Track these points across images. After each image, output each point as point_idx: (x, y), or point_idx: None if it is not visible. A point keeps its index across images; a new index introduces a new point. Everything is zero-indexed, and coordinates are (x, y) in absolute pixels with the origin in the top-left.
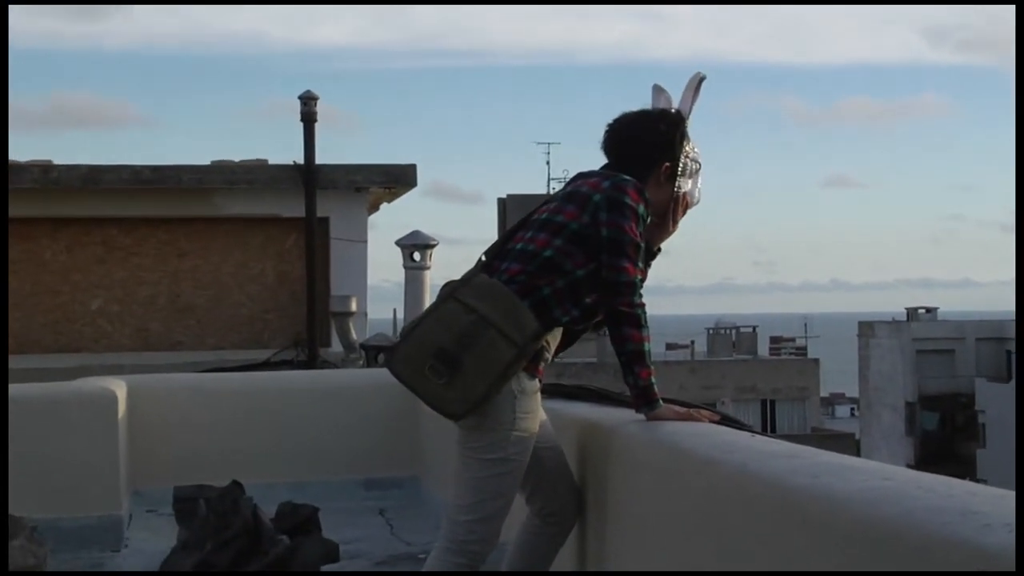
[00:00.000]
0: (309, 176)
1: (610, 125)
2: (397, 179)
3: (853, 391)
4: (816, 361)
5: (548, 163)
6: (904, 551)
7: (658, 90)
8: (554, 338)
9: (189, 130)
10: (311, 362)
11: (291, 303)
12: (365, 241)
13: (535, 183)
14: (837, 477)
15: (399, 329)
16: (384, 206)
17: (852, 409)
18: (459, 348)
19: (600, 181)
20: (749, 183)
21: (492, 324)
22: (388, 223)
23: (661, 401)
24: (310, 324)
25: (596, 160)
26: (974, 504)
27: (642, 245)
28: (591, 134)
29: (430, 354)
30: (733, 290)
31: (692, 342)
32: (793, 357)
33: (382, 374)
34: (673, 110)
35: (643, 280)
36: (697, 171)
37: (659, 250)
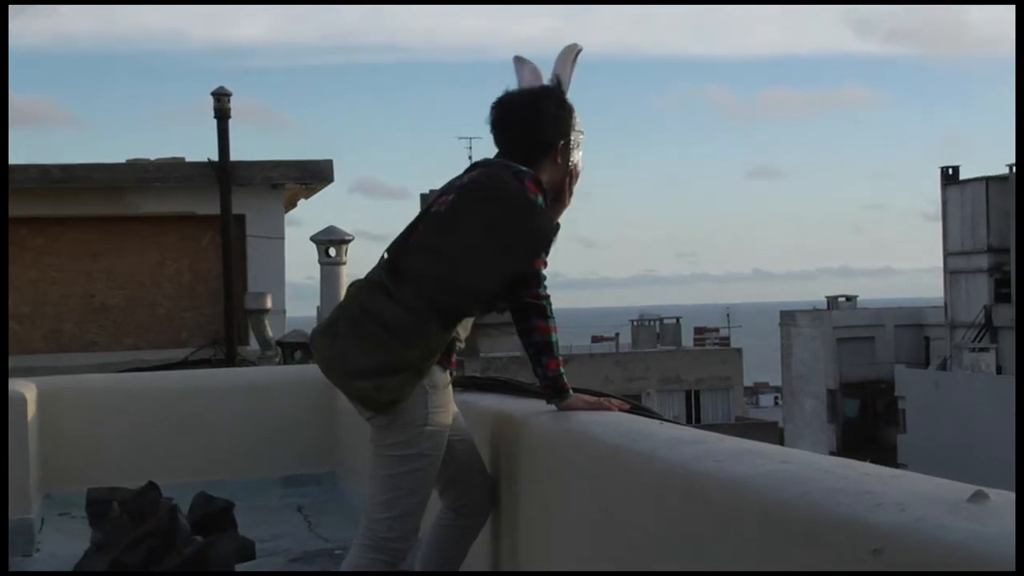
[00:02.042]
0: (224, 173)
1: (498, 110)
2: (314, 175)
3: (776, 380)
4: (739, 351)
5: (470, 158)
6: (800, 531)
7: (520, 61)
8: (464, 329)
9: (107, 129)
10: (229, 360)
11: (208, 301)
12: (282, 238)
13: None
14: (739, 462)
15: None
16: (305, 202)
17: (775, 398)
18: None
19: (498, 171)
20: (673, 176)
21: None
22: (311, 219)
23: (571, 391)
24: (227, 322)
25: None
26: (867, 484)
27: (548, 238)
28: None
29: (377, 326)
30: (657, 282)
31: (617, 334)
32: (717, 347)
33: (299, 371)
34: (552, 80)
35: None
36: (582, 140)
37: (558, 225)
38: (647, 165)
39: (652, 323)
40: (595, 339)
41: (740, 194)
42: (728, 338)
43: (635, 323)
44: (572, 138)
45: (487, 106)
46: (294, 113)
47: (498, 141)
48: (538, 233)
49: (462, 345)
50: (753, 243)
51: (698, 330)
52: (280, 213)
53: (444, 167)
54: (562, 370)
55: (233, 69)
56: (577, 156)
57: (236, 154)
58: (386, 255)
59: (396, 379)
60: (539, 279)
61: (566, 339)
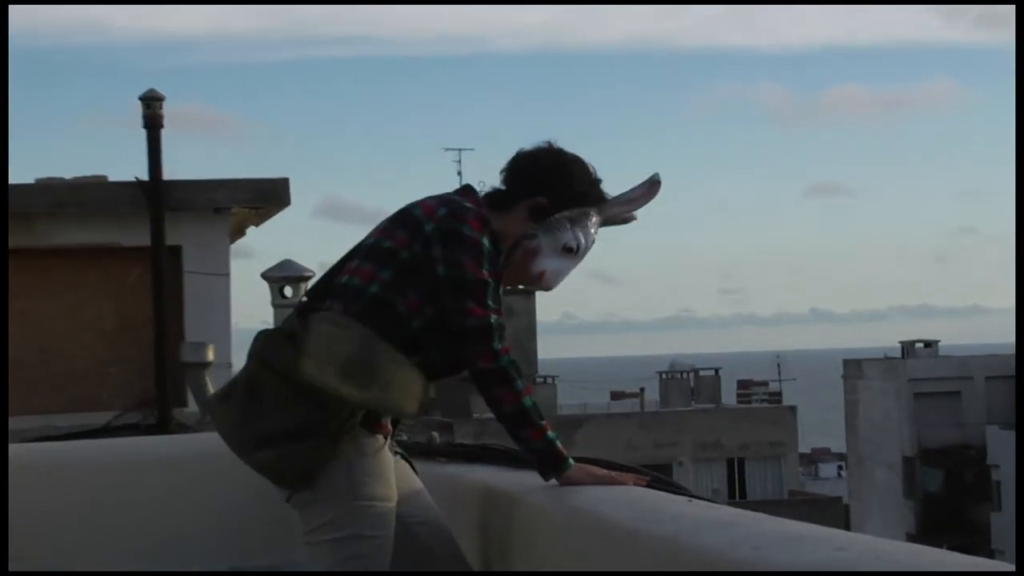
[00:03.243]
0: (155, 195)
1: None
2: (266, 197)
3: (839, 445)
4: (793, 409)
5: (459, 173)
6: None
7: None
8: (415, 387)
9: (10, 141)
10: (162, 426)
11: (136, 353)
12: (227, 274)
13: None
14: (782, 549)
15: None
16: (256, 231)
17: (839, 467)
18: (367, 354)
19: (436, 207)
20: (715, 194)
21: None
22: (264, 251)
23: (571, 461)
24: (159, 379)
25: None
26: None
27: (490, 283)
28: (509, 136)
29: (338, 365)
30: (692, 324)
31: (642, 389)
32: (766, 405)
33: None
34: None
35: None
36: (572, 248)
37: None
38: (682, 182)
39: (686, 375)
40: (615, 395)
41: (797, 217)
42: (780, 394)
43: (664, 375)
44: (560, 217)
45: (478, 110)
46: (245, 121)
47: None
48: (470, 269)
49: (407, 410)
50: (812, 276)
51: (743, 384)
52: (225, 244)
53: (428, 184)
54: (551, 436)
55: (168, 67)
56: (546, 244)
57: (171, 172)
58: (305, 298)
59: (303, 445)
60: (487, 333)
61: (578, 395)
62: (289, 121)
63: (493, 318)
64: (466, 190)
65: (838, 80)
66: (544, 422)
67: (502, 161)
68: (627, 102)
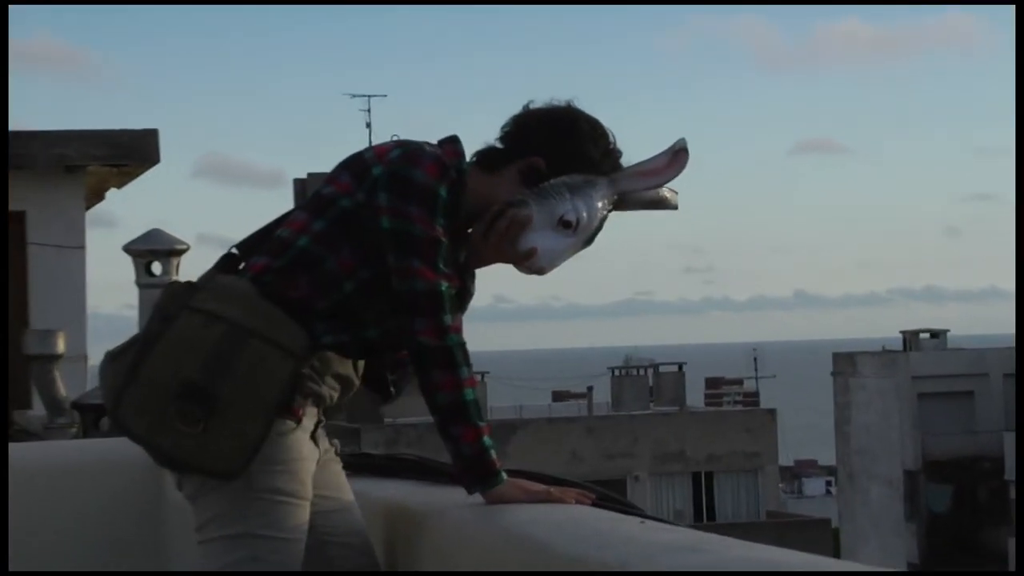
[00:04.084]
0: None
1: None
2: (130, 152)
3: (828, 457)
4: (772, 413)
5: (369, 125)
6: None
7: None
8: (325, 365)
9: None
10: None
11: None
12: (82, 246)
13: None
14: None
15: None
16: (118, 193)
17: (827, 483)
18: (211, 376)
19: (390, 148)
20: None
21: (251, 332)
22: (130, 218)
23: (504, 475)
24: None
25: (441, 117)
26: None
27: (443, 242)
28: (432, 79)
29: (172, 394)
30: (651, 310)
31: (589, 389)
32: (740, 408)
33: (107, 448)
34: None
35: (461, 299)
36: (570, 222)
37: (471, 276)
38: (642, 136)
39: (643, 372)
40: (557, 396)
41: (780, 179)
42: (756, 394)
43: (617, 372)
44: (559, 183)
45: (395, 47)
46: (106, 59)
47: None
48: (418, 222)
49: (323, 389)
50: (797, 252)
51: (712, 382)
52: (79, 209)
53: (334, 141)
54: (487, 442)
55: None
56: (540, 214)
57: (13, 121)
58: (233, 250)
59: None
60: (437, 301)
61: (513, 395)
62: (163, 60)
63: (444, 284)
64: (450, 140)
65: (834, 15)
66: (483, 424)
67: (424, 107)
68: (579, 38)
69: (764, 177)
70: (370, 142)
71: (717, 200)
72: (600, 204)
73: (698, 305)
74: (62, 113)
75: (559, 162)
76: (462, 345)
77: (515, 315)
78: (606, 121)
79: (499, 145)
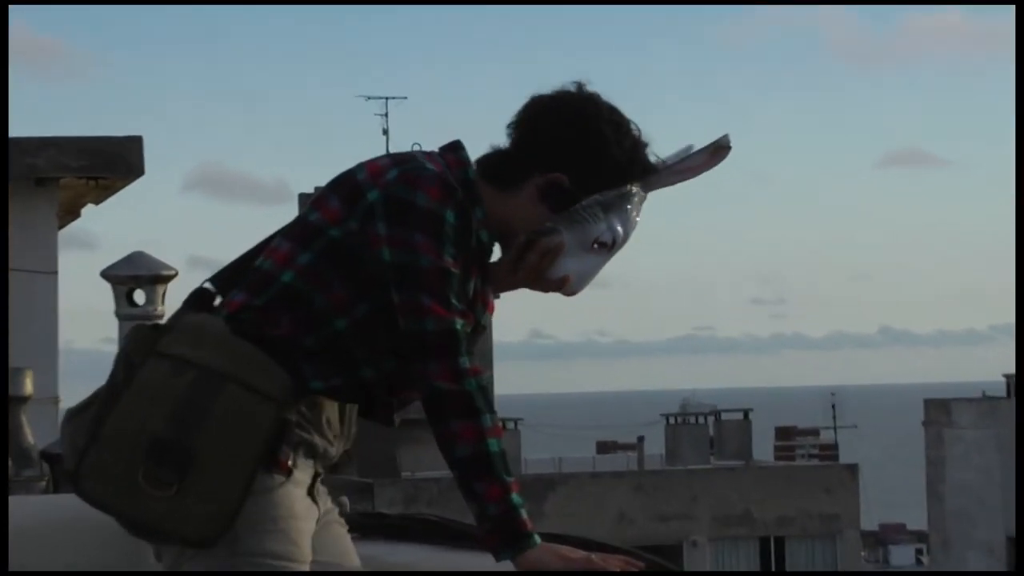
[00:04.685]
0: None
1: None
2: (110, 163)
3: (919, 520)
4: (853, 469)
5: (386, 131)
6: None
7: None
8: (314, 413)
9: None
10: None
11: None
12: (55, 272)
13: None
14: None
15: None
16: (97, 210)
17: (917, 552)
18: (182, 430)
19: (386, 167)
20: (749, 165)
21: (226, 376)
22: (110, 239)
23: (537, 537)
24: None
25: (469, 121)
26: None
27: (454, 274)
28: (458, 79)
29: (140, 454)
30: (712, 347)
31: (640, 439)
32: (815, 463)
33: (82, 504)
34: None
35: (474, 331)
36: (607, 244)
37: (483, 307)
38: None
39: (703, 419)
40: (603, 447)
41: (864, 197)
42: (835, 446)
43: (673, 419)
44: (593, 203)
45: (416, 44)
46: (85, 53)
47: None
48: (425, 252)
49: (316, 439)
50: (882, 282)
51: (783, 432)
52: (52, 228)
53: (346, 150)
54: (516, 500)
55: None
56: (575, 239)
57: None
58: (207, 285)
59: None
60: (451, 341)
61: (551, 446)
62: (150, 56)
63: (459, 322)
64: (452, 147)
65: (927, 6)
66: (512, 479)
67: (447, 111)
68: (626, 35)
69: (845, 194)
70: (387, 150)
71: (790, 221)
72: (635, 213)
73: (767, 343)
74: (31, 117)
75: (584, 176)
76: (483, 389)
77: (554, 353)
78: (658, 122)
79: (510, 152)
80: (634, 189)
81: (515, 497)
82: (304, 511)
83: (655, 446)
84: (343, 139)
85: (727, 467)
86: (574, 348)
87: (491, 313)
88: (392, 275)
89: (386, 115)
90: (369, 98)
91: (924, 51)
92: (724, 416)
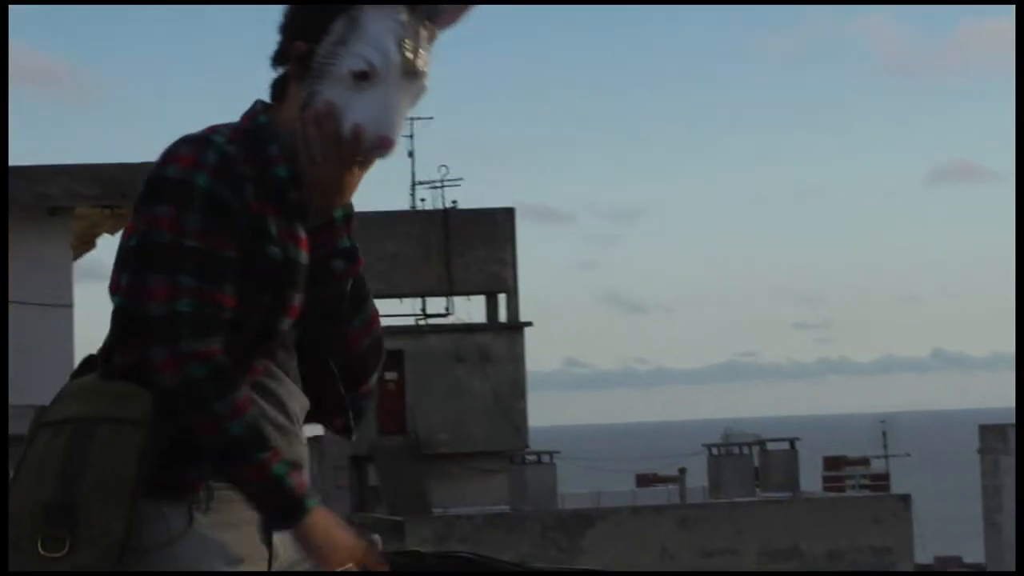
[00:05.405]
0: None
1: None
2: (126, 190)
3: (976, 552)
4: (906, 499)
5: (411, 152)
6: None
7: None
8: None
9: None
10: None
11: None
12: (69, 305)
13: (391, 191)
14: None
15: None
16: (113, 240)
17: None
18: (66, 489)
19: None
20: (793, 181)
21: (97, 420)
22: None
23: (311, 501)
24: None
25: (500, 141)
26: None
27: (198, 249)
28: (487, 97)
29: (37, 524)
30: (756, 374)
31: (682, 471)
32: (866, 493)
33: None
34: None
35: (281, 314)
36: (364, 71)
37: (346, 219)
38: (742, 162)
39: (747, 450)
40: (643, 479)
41: (915, 214)
42: (887, 476)
43: (716, 450)
44: (329, 52)
45: (438, 62)
46: (96, 75)
47: None
48: (162, 227)
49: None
50: (933, 303)
51: (831, 461)
52: (66, 259)
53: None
54: (277, 470)
55: None
56: (335, 89)
57: None
58: (94, 353)
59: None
60: (168, 326)
61: (589, 479)
62: (166, 79)
63: (186, 302)
64: (253, 110)
65: (980, 11)
66: (267, 453)
67: (476, 133)
68: (662, 45)
69: (893, 211)
70: (413, 173)
71: (835, 240)
72: (386, 30)
73: (813, 368)
74: (42, 144)
75: (306, 27)
76: (215, 372)
77: (591, 382)
78: (699, 133)
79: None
80: (366, 8)
81: (276, 468)
82: (233, 542)
83: (697, 478)
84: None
85: (773, 499)
86: (611, 377)
87: (352, 262)
88: (129, 259)
89: (411, 136)
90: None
91: (977, 59)
92: (769, 446)
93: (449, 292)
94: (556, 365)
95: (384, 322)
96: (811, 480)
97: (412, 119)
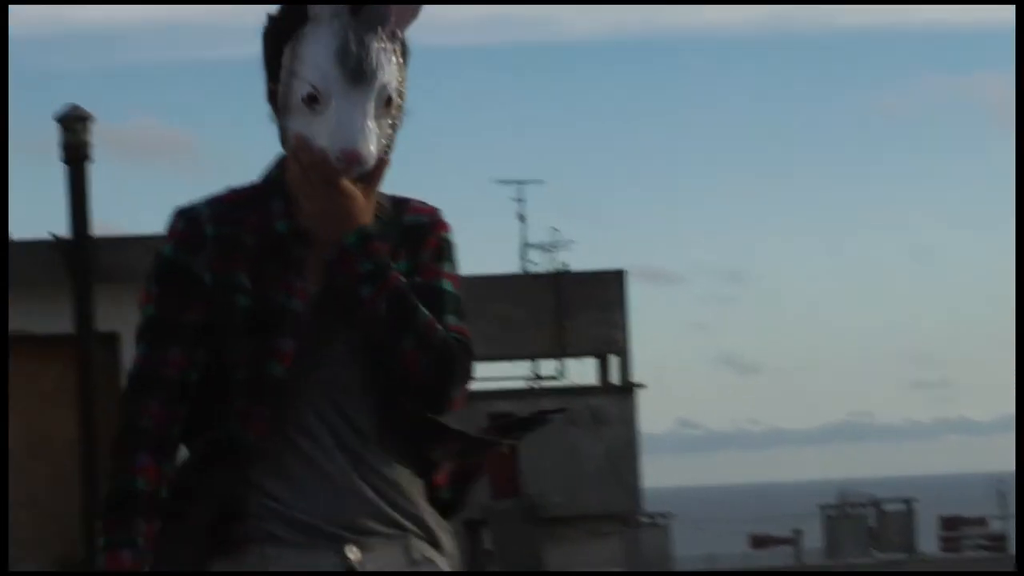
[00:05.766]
0: (80, 259)
1: None
2: None
3: None
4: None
5: (522, 217)
6: None
7: None
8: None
9: None
10: None
11: (52, 495)
12: None
13: (501, 254)
14: None
15: None
16: None
17: None
18: None
19: None
20: (908, 239)
21: None
22: None
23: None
24: (89, 530)
25: (608, 206)
26: None
27: (158, 317)
28: (596, 163)
29: None
30: (871, 434)
31: (798, 532)
32: (985, 555)
33: None
34: None
35: (268, 360)
36: (310, 95)
37: (363, 242)
38: (858, 221)
39: (863, 510)
40: (757, 541)
41: None
42: (1004, 537)
43: (831, 511)
44: (286, 82)
45: (550, 120)
46: (213, 144)
47: None
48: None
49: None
50: None
51: (949, 522)
52: None
53: (483, 235)
54: (105, 541)
55: (94, 68)
56: (300, 120)
57: (104, 224)
58: None
59: None
60: (132, 384)
61: (702, 541)
62: (276, 144)
63: (138, 366)
64: (269, 164)
65: None
66: (110, 515)
67: (588, 195)
68: (771, 104)
69: (1012, 269)
70: (524, 238)
71: (953, 296)
72: (323, 46)
73: (929, 428)
74: (166, 213)
75: (274, 65)
76: (127, 428)
77: (704, 443)
78: (814, 192)
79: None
80: (304, 30)
81: (104, 538)
82: None
83: (813, 540)
84: (475, 226)
85: (891, 561)
86: (724, 438)
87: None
88: None
89: (521, 200)
90: (503, 182)
91: None
92: (885, 506)
93: (561, 354)
94: (669, 426)
95: (495, 385)
96: (928, 541)
97: (521, 183)
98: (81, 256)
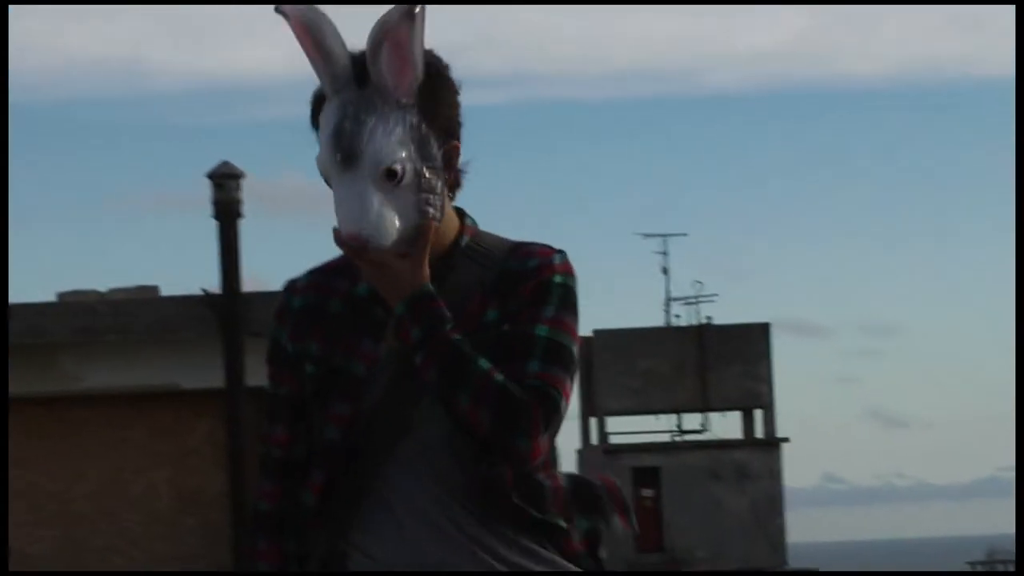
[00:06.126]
0: (231, 314)
1: None
2: None
3: None
4: None
5: (666, 270)
6: None
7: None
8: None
9: (17, 240)
10: None
11: (203, 544)
12: None
13: (644, 306)
14: None
15: None
16: None
17: None
18: None
19: None
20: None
21: None
22: None
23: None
24: None
25: (752, 258)
26: None
27: (274, 395)
28: (740, 214)
29: None
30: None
31: None
32: None
33: None
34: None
35: (325, 424)
36: (321, 173)
37: (412, 309)
38: (1000, 274)
39: (1011, 567)
40: None
41: None
42: None
43: (979, 567)
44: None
45: (694, 173)
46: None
47: None
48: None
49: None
50: None
51: None
52: None
53: (621, 289)
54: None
55: (241, 122)
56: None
57: (254, 280)
58: None
59: None
60: (262, 465)
61: None
62: None
63: (262, 447)
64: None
65: None
66: None
67: (729, 245)
68: (920, 161)
69: None
70: (667, 291)
71: None
72: (324, 125)
73: None
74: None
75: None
76: (255, 514)
77: (849, 498)
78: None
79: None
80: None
81: None
82: None
83: None
84: (622, 278)
85: None
86: (869, 493)
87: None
88: None
89: (665, 253)
90: (647, 235)
91: None
92: None
93: (705, 408)
94: (814, 481)
95: (639, 439)
96: None
97: (665, 236)
98: (231, 311)
